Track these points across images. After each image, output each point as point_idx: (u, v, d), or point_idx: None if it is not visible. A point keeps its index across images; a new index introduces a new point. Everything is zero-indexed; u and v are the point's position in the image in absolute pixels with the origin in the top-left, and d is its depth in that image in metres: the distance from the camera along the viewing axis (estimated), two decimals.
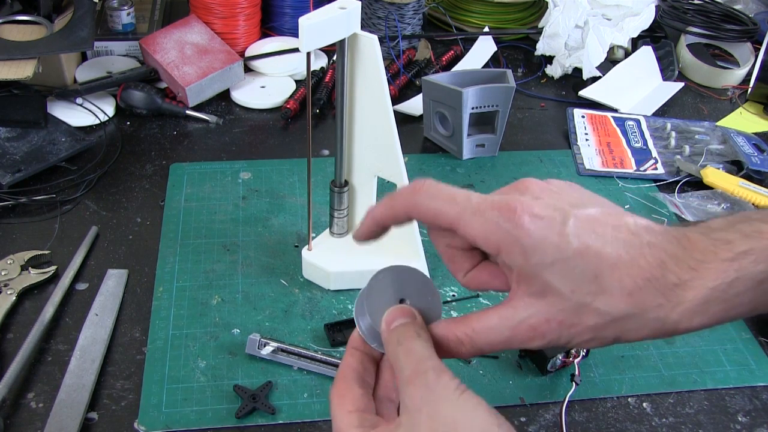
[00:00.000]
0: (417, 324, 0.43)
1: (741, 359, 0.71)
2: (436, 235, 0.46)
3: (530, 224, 0.40)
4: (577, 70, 1.16)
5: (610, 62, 1.18)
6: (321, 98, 1.03)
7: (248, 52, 1.11)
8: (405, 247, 0.75)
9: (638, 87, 1.14)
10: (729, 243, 0.40)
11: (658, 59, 1.18)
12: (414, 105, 1.05)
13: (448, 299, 0.75)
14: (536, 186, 0.43)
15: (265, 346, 0.66)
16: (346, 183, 0.74)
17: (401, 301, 0.44)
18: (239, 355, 0.67)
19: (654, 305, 0.40)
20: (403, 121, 1.00)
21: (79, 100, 0.98)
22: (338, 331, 0.70)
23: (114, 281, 0.74)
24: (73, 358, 0.66)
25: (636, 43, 1.22)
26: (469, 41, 1.23)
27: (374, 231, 0.46)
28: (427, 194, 0.43)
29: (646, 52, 1.19)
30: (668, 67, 1.18)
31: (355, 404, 0.43)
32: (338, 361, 0.66)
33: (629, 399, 0.67)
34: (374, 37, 0.63)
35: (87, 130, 0.96)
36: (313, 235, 0.77)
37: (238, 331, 0.70)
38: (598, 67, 1.14)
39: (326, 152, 0.95)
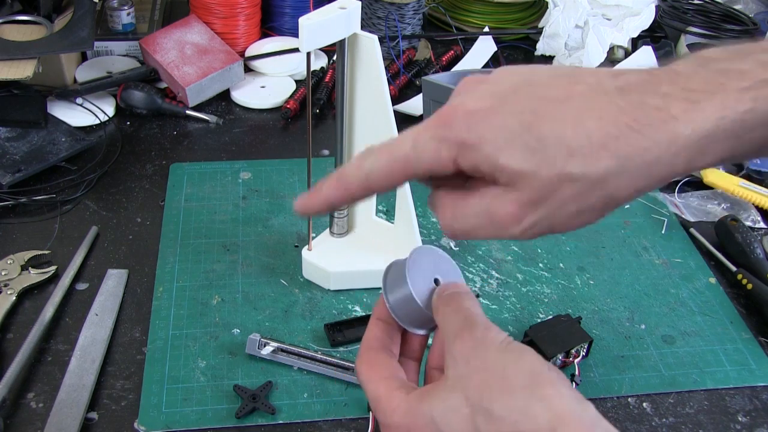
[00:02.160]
0: (464, 291, 0.44)
1: (741, 359, 0.71)
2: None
3: (469, 120, 0.37)
4: None
5: (610, 62, 1.17)
6: (321, 98, 1.03)
7: (248, 52, 1.11)
8: (405, 248, 0.75)
9: None
10: (742, 72, 0.34)
11: (658, 59, 1.18)
12: (414, 105, 1.05)
13: None
14: (471, 81, 0.40)
15: (265, 346, 0.66)
16: None
17: (436, 281, 0.45)
18: (239, 355, 0.67)
19: (639, 150, 0.35)
20: (403, 121, 1.00)
21: (79, 100, 0.98)
22: (338, 331, 0.70)
23: (114, 281, 0.74)
24: (73, 358, 0.66)
25: (636, 43, 1.22)
26: (469, 41, 1.23)
27: (324, 209, 0.43)
28: (369, 160, 0.40)
29: (646, 52, 1.19)
30: None
31: (389, 370, 0.43)
32: (338, 361, 0.66)
33: (629, 399, 0.67)
34: (374, 37, 0.63)
35: (87, 130, 0.96)
36: (313, 235, 0.77)
37: (238, 331, 0.70)
38: (598, 67, 1.14)
39: (326, 152, 0.95)
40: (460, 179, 0.41)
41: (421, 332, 0.45)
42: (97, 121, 0.97)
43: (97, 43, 1.06)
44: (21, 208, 0.83)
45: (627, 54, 1.20)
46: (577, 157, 0.35)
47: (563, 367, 0.68)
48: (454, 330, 0.41)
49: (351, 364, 0.65)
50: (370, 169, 0.40)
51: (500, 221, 0.38)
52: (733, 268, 0.80)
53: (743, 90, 0.34)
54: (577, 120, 0.35)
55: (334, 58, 0.94)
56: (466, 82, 0.40)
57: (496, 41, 1.22)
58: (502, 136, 0.36)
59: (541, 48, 1.18)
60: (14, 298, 0.71)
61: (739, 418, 0.66)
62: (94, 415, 0.62)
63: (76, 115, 0.97)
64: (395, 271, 0.45)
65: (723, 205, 0.90)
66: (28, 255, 0.75)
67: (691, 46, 1.21)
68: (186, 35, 1.05)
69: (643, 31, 1.19)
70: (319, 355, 0.66)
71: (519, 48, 1.25)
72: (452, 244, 0.82)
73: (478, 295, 0.75)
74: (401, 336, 0.46)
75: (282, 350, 0.67)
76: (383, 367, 0.43)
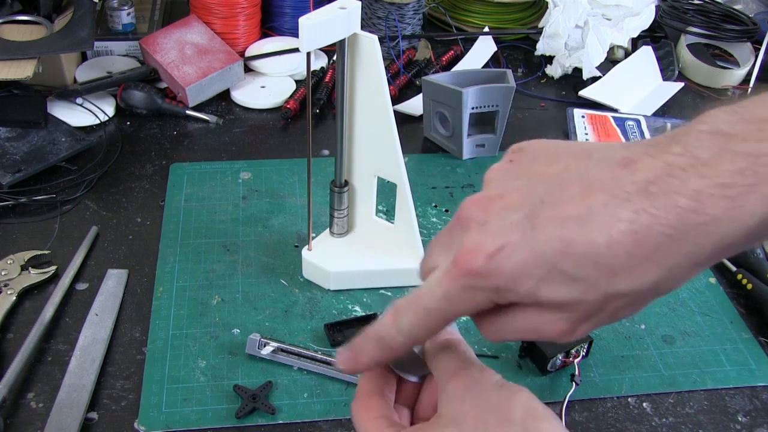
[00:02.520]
0: (458, 338, 0.43)
1: (741, 359, 0.71)
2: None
3: (491, 264, 0.34)
4: (577, 70, 1.16)
5: (610, 62, 1.18)
6: (321, 98, 1.03)
7: (248, 52, 1.11)
8: (405, 248, 0.75)
9: (638, 87, 1.14)
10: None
11: (658, 59, 1.18)
12: (414, 105, 1.05)
13: None
14: (476, 206, 0.36)
15: (265, 346, 0.66)
16: (346, 183, 0.74)
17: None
18: (239, 355, 0.67)
19: (682, 256, 0.32)
20: (403, 121, 1.00)
21: (79, 100, 0.98)
22: (338, 331, 0.70)
23: (114, 281, 0.74)
24: (73, 358, 0.66)
25: (636, 43, 1.22)
26: (469, 41, 1.23)
27: (370, 369, 0.44)
28: (406, 315, 0.39)
29: (646, 52, 1.19)
30: (668, 67, 1.18)
31: (381, 411, 0.42)
32: None
33: (629, 399, 0.67)
34: (374, 37, 0.63)
35: (87, 130, 0.96)
36: (313, 235, 0.77)
37: (238, 331, 0.70)
38: (598, 67, 1.14)
39: (326, 152, 0.95)
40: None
41: (414, 379, 0.44)
42: (97, 121, 0.97)
43: (97, 43, 1.06)
44: (21, 208, 0.83)
45: (627, 54, 1.20)
46: (621, 276, 0.33)
47: (563, 367, 0.68)
48: (449, 371, 0.40)
49: None
50: (409, 330, 0.39)
51: (551, 335, 0.36)
52: (733, 268, 0.80)
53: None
54: (610, 238, 0.32)
55: (334, 58, 0.94)
56: (470, 204, 0.37)
57: (496, 41, 1.22)
58: (537, 273, 0.34)
59: (541, 48, 1.18)
60: (14, 298, 0.71)
61: (739, 418, 0.66)
62: (94, 415, 0.62)
63: (76, 115, 0.97)
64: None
65: None
66: (28, 255, 0.75)
67: (691, 46, 1.21)
68: (186, 35, 1.05)
69: (643, 31, 1.19)
70: (319, 355, 0.66)
71: (519, 48, 1.25)
72: None
73: None
74: (396, 383, 0.45)
75: (282, 350, 0.67)
76: (377, 408, 0.42)
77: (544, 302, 0.34)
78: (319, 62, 1.13)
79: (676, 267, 0.32)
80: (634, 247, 0.32)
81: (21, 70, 0.90)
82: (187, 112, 1.00)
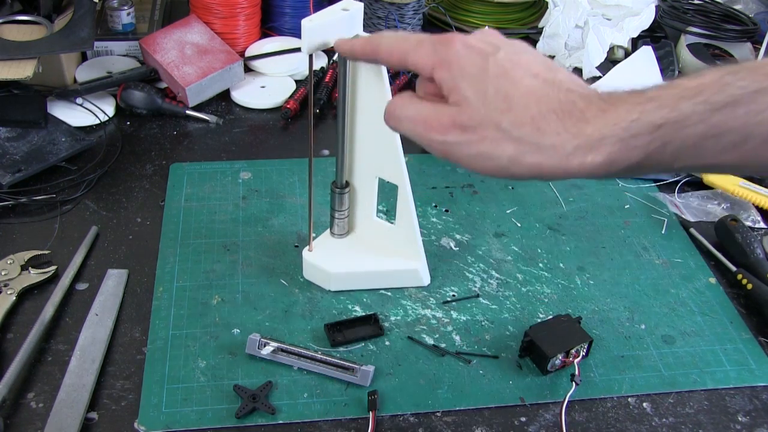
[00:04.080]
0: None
1: (741, 359, 0.71)
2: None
3: (459, 48, 0.48)
4: (577, 70, 1.16)
5: (610, 62, 1.18)
6: (321, 98, 1.03)
7: (248, 52, 1.11)
8: (406, 249, 0.75)
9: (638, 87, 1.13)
10: (643, 92, 0.44)
11: (658, 59, 1.18)
12: None
13: (448, 299, 0.75)
14: (484, 31, 0.51)
15: (265, 346, 0.66)
16: (347, 184, 0.74)
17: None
18: (239, 355, 0.67)
19: (552, 132, 0.45)
20: None
21: (79, 100, 0.98)
22: (338, 331, 0.70)
23: (114, 281, 0.74)
24: (73, 358, 0.66)
25: (636, 43, 1.22)
26: None
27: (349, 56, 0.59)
28: (386, 37, 0.54)
29: (646, 52, 1.19)
30: (668, 67, 1.18)
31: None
32: (338, 361, 0.66)
33: (629, 399, 0.67)
34: None
35: (87, 130, 0.96)
36: (314, 235, 0.77)
37: (238, 331, 0.70)
38: (598, 67, 1.14)
39: (326, 152, 0.95)
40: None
41: None
42: (97, 121, 0.97)
43: (97, 43, 1.06)
44: (21, 208, 0.83)
45: (627, 54, 1.20)
46: (510, 115, 0.46)
47: (563, 367, 0.68)
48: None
49: (351, 364, 0.65)
50: (379, 42, 0.54)
51: (430, 125, 0.49)
52: (733, 268, 0.80)
53: (635, 104, 0.43)
54: (528, 93, 0.46)
55: (334, 58, 0.94)
56: (484, 32, 0.50)
57: None
58: (473, 73, 0.47)
59: (541, 48, 1.18)
60: (14, 298, 0.71)
61: (739, 418, 0.66)
62: (94, 415, 0.62)
63: (76, 115, 0.97)
64: None
65: (723, 205, 0.90)
66: (28, 255, 0.75)
67: (691, 46, 1.21)
68: (186, 35, 1.05)
69: (643, 31, 1.19)
70: (319, 355, 0.66)
71: None
72: (452, 245, 0.82)
73: (477, 295, 0.75)
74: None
75: (282, 350, 0.67)
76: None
77: (456, 90, 0.48)
78: (319, 62, 1.13)
79: (541, 135, 0.45)
80: (533, 107, 0.45)
81: (21, 70, 0.90)
82: (187, 112, 1.00)
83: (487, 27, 0.51)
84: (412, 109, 0.51)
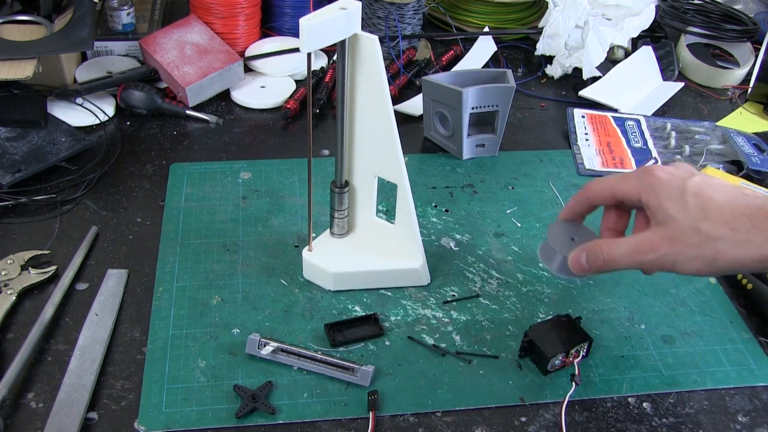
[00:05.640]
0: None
1: (741, 359, 0.71)
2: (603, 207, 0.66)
3: (661, 175, 0.59)
4: (577, 70, 1.16)
5: (610, 62, 1.18)
6: (321, 98, 1.03)
7: (248, 52, 1.11)
8: (406, 249, 0.75)
9: (638, 87, 1.14)
10: None
11: (658, 59, 1.18)
12: (414, 105, 1.05)
13: (448, 299, 0.75)
14: (678, 164, 0.61)
15: (265, 346, 0.66)
16: (347, 184, 0.74)
17: (572, 239, 0.65)
18: (239, 355, 0.67)
19: (744, 230, 0.54)
20: (403, 121, 1.00)
21: (79, 100, 0.98)
22: (338, 331, 0.70)
23: (114, 281, 0.74)
24: (73, 358, 0.66)
25: (636, 43, 1.22)
26: (469, 41, 1.23)
27: (576, 213, 0.67)
28: (594, 182, 0.64)
29: (646, 52, 1.19)
30: (668, 67, 1.18)
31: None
32: (338, 361, 0.66)
33: (629, 399, 0.67)
34: (374, 38, 0.63)
35: (87, 130, 0.96)
36: (314, 235, 0.77)
37: (238, 331, 0.70)
38: (598, 67, 1.14)
39: (326, 152, 0.95)
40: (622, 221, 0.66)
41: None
42: (97, 121, 0.97)
43: (97, 43, 1.06)
44: (21, 208, 0.83)
45: (627, 54, 1.20)
46: (707, 222, 0.55)
47: (563, 367, 0.68)
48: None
49: (351, 364, 0.65)
50: (589, 187, 0.65)
51: (644, 250, 0.58)
52: None
53: None
54: (721, 203, 0.56)
55: (334, 57, 0.94)
56: (678, 164, 0.61)
57: (496, 41, 1.22)
58: (675, 194, 0.57)
59: (541, 48, 1.18)
60: (14, 298, 0.71)
61: (739, 418, 0.66)
62: (94, 415, 0.62)
63: (76, 115, 0.97)
64: (545, 246, 0.67)
65: None
66: (28, 255, 0.75)
67: (691, 46, 1.21)
68: (186, 35, 1.05)
69: (643, 31, 1.19)
70: (319, 355, 0.66)
71: (519, 48, 1.25)
72: (452, 245, 0.82)
73: (478, 295, 0.75)
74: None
75: (282, 350, 0.67)
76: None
77: (661, 210, 0.58)
78: (319, 62, 1.13)
79: (736, 236, 0.55)
80: (728, 212, 0.55)
81: (21, 70, 0.90)
82: (187, 112, 1.00)
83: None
84: (622, 246, 0.59)
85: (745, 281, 0.78)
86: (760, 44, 1.13)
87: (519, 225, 0.86)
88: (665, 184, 0.58)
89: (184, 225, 0.82)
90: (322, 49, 1.16)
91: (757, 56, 1.14)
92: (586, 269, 0.61)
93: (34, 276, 0.73)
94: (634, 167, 0.96)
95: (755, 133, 1.04)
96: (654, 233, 0.58)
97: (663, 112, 1.10)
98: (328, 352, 0.68)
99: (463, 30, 1.26)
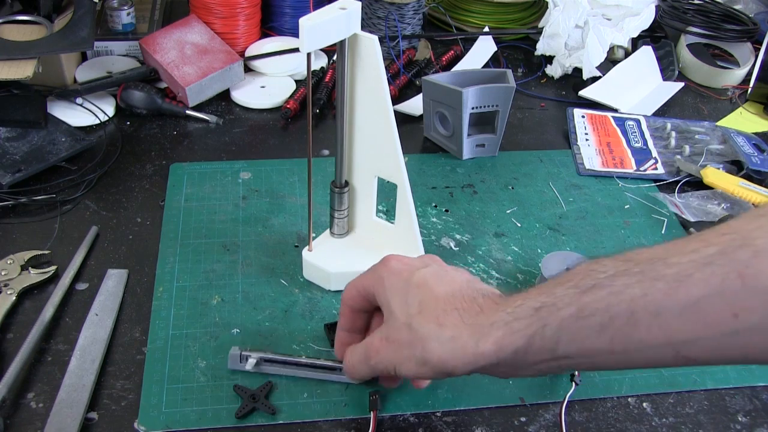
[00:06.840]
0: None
1: None
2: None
3: (394, 265, 0.54)
4: (577, 70, 1.16)
5: (610, 62, 1.18)
6: (321, 98, 1.03)
7: (248, 52, 1.11)
8: (406, 249, 0.75)
9: (638, 87, 1.14)
10: (536, 287, 0.49)
11: (658, 59, 1.18)
12: (414, 105, 1.05)
13: None
14: (425, 255, 0.59)
15: (248, 360, 0.65)
16: (347, 183, 0.74)
17: (567, 268, 0.62)
18: None
19: (451, 325, 0.49)
20: (403, 121, 1.00)
21: (79, 100, 0.98)
22: None
23: (114, 281, 0.74)
24: (73, 358, 0.66)
25: (636, 43, 1.22)
26: (469, 41, 1.23)
27: (352, 326, 0.61)
28: (347, 285, 0.60)
29: (646, 52, 1.19)
30: (668, 67, 1.18)
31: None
32: (327, 363, 0.65)
33: (629, 399, 0.67)
34: (374, 38, 0.63)
35: (87, 130, 0.96)
36: (314, 235, 0.77)
37: (238, 331, 0.70)
38: (598, 67, 1.14)
39: (326, 152, 0.95)
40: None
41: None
42: (97, 121, 0.97)
43: (97, 43, 1.06)
44: (21, 208, 0.83)
45: (627, 54, 1.20)
46: (419, 317, 0.50)
47: None
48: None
49: (340, 365, 0.64)
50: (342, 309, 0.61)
51: (369, 355, 0.54)
52: None
53: (523, 296, 0.49)
54: (438, 297, 0.51)
55: (334, 57, 0.94)
56: (425, 255, 0.59)
57: (496, 41, 1.22)
58: (400, 287, 0.53)
59: (541, 48, 1.18)
60: (14, 298, 0.71)
61: (739, 418, 0.66)
62: (94, 415, 0.62)
63: (76, 115, 0.97)
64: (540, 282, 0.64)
65: (723, 205, 0.90)
66: (28, 255, 0.75)
67: (691, 46, 1.21)
68: (186, 35, 1.05)
69: (643, 31, 1.19)
70: (303, 360, 0.65)
71: (519, 48, 1.25)
72: (452, 245, 0.82)
73: None
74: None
75: (266, 360, 0.65)
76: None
77: (387, 305, 0.54)
78: (319, 62, 1.13)
79: (443, 329, 0.50)
80: (444, 303, 0.51)
81: (21, 70, 0.90)
82: (187, 112, 1.00)
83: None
84: (356, 354, 0.56)
85: None
86: (760, 44, 1.13)
87: (519, 225, 0.86)
88: (394, 276, 0.53)
89: (184, 225, 0.82)
90: (322, 49, 1.16)
91: (757, 56, 1.14)
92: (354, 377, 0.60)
93: (34, 276, 0.73)
94: (634, 167, 0.96)
95: (755, 133, 1.04)
96: (377, 333, 0.54)
97: (663, 112, 1.10)
98: (328, 352, 0.68)
99: (463, 30, 1.26)
